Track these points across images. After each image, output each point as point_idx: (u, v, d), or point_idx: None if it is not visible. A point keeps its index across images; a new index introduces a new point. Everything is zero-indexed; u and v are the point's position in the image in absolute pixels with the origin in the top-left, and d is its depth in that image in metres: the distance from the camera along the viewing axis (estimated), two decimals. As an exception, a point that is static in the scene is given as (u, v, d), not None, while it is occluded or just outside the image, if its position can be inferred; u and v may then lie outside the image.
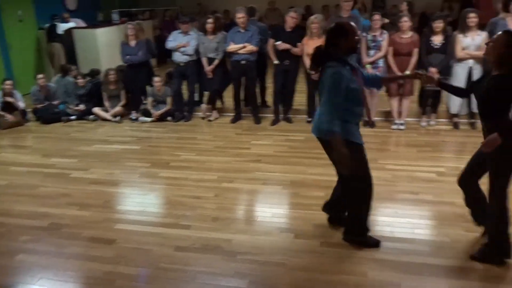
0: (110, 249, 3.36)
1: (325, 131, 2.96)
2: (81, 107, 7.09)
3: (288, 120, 6.47)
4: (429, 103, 6.06)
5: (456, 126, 5.93)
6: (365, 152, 3.14)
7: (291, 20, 5.98)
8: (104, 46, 8.81)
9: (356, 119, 3.08)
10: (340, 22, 3.10)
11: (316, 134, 3.14)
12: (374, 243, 3.26)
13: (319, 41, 5.88)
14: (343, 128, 2.95)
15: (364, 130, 5.89)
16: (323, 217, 3.60)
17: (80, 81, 7.12)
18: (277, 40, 6.01)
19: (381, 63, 5.85)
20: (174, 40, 6.61)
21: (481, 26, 5.61)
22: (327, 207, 3.52)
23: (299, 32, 6.03)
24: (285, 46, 5.94)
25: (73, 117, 7.03)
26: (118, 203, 4.20)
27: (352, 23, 3.05)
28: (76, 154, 5.50)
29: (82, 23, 9.51)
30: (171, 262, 3.16)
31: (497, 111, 2.79)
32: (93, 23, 9.94)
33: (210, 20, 6.38)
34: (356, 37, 3.01)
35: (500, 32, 2.93)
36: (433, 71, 5.62)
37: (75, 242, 3.48)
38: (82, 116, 7.04)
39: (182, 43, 6.50)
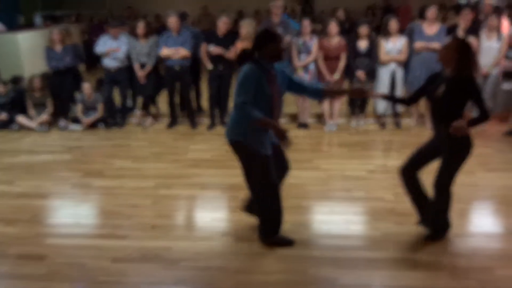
0: (42, 265, 3.18)
1: (235, 133, 3.06)
2: (3, 116, 6.64)
3: (225, 124, 6.50)
4: (357, 104, 6.37)
5: (382, 125, 6.29)
6: (270, 162, 3.15)
7: (223, 25, 6.02)
8: (26, 52, 8.31)
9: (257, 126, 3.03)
10: (269, 29, 3.18)
11: (230, 137, 3.16)
12: (288, 242, 3.36)
13: (248, 45, 6.00)
14: (251, 136, 3.03)
15: (298, 132, 6.13)
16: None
17: (1, 88, 6.66)
18: (210, 45, 6.03)
19: (311, 66, 6.05)
20: (103, 45, 6.39)
21: (401, 31, 6.01)
22: (247, 208, 3.57)
23: (232, 37, 6.09)
24: (218, 50, 5.97)
25: (-6, 127, 6.57)
26: (48, 217, 3.99)
27: (280, 32, 3.14)
28: (-1, 167, 5.15)
29: (1, 27, 8.90)
30: (109, 275, 3.06)
31: (453, 112, 3.06)
32: (12, 27, 9.34)
33: (141, 24, 6.25)
34: (281, 45, 3.07)
35: (450, 39, 3.22)
36: (360, 75, 5.92)
37: (1, 260, 3.26)
38: (4, 125, 6.60)
39: (112, 48, 6.31)
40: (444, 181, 3.21)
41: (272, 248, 3.32)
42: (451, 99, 3.07)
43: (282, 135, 2.92)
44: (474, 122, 3.02)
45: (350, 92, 3.52)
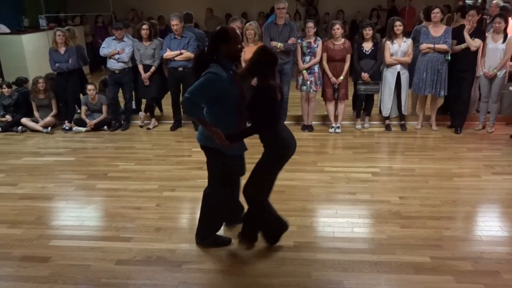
0: (45, 267, 3.17)
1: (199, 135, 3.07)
2: (8, 117, 6.66)
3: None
4: (362, 107, 6.34)
5: (388, 128, 6.25)
6: (235, 165, 3.18)
7: (236, 29, 5.99)
8: (31, 53, 8.35)
9: (228, 130, 2.96)
10: (225, 27, 3.07)
11: (200, 142, 3.17)
12: (225, 242, 3.40)
13: (255, 48, 5.97)
14: (207, 136, 3.02)
15: (303, 134, 6.11)
16: (266, 221, 3.63)
17: (6, 90, 6.68)
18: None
19: (316, 68, 6.03)
20: (108, 47, 6.40)
21: (406, 33, 5.98)
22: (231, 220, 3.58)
23: (239, 40, 6.07)
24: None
25: (-2, 129, 6.59)
26: (52, 219, 3.98)
27: (237, 31, 3.08)
28: (3, 169, 5.14)
29: (5, 29, 8.93)
30: (112, 277, 3.05)
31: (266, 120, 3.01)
32: (17, 29, 9.37)
33: (145, 27, 6.25)
34: (238, 45, 2.97)
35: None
36: (365, 76, 5.90)
37: (5, 262, 3.25)
38: (9, 127, 6.61)
39: (117, 49, 6.32)
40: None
41: (277, 250, 3.30)
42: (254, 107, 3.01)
43: (218, 137, 2.92)
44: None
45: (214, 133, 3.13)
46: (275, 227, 3.34)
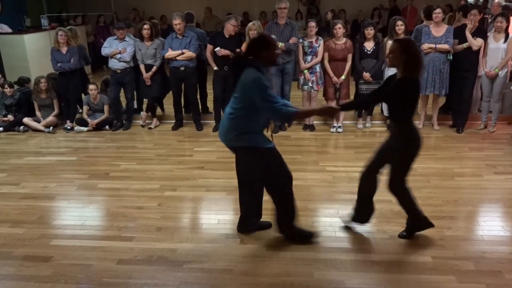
0: (47, 267, 3.17)
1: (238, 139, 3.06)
2: (10, 117, 6.67)
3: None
4: (414, 113, 6.30)
5: (389, 127, 6.23)
6: (276, 153, 3.20)
7: (231, 27, 6.00)
8: (33, 53, 8.36)
9: (260, 128, 3.13)
10: (264, 35, 3.23)
11: (236, 144, 3.15)
12: (310, 235, 3.43)
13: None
14: (247, 138, 3.06)
15: (304, 134, 6.11)
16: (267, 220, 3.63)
17: (8, 90, 6.69)
18: (215, 47, 6.02)
19: (317, 68, 6.03)
20: (109, 46, 6.41)
21: (407, 33, 5.97)
22: (242, 227, 3.56)
23: (238, 38, 6.08)
24: (225, 52, 5.95)
25: (0, 129, 6.60)
26: (54, 218, 3.98)
27: (274, 37, 3.15)
28: (5, 168, 5.16)
29: (7, 29, 8.95)
30: (114, 276, 3.05)
31: (407, 111, 3.14)
32: (19, 29, 9.38)
33: (146, 26, 6.25)
34: (276, 51, 3.09)
35: (391, 42, 3.27)
36: (366, 75, 5.90)
37: (7, 262, 3.25)
38: (11, 127, 6.63)
39: (118, 49, 6.32)
40: (398, 181, 3.27)
41: (278, 250, 3.30)
42: (399, 98, 3.11)
43: (330, 112, 3.12)
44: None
45: (320, 111, 3.45)
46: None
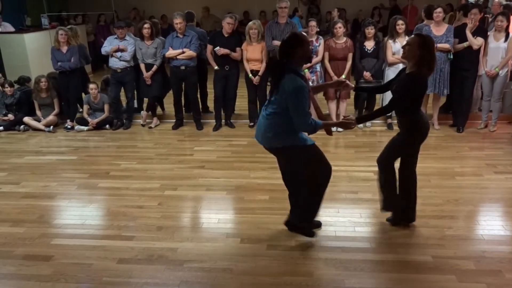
0: (47, 266, 3.18)
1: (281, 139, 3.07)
2: (10, 116, 6.67)
3: (230, 125, 6.49)
4: (364, 105, 6.33)
5: (389, 126, 6.24)
6: (316, 149, 3.24)
7: (227, 25, 6.00)
8: (33, 52, 8.36)
9: (296, 131, 3.13)
10: (295, 32, 3.19)
11: (276, 145, 3.14)
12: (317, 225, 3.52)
13: (258, 46, 5.98)
14: (285, 137, 3.07)
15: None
16: (268, 220, 3.64)
17: (8, 89, 6.69)
18: (215, 46, 6.02)
19: (318, 67, 6.03)
20: (110, 45, 6.41)
21: (408, 32, 5.97)
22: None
23: (237, 37, 6.07)
24: (225, 51, 5.96)
25: (0, 128, 6.60)
26: (54, 217, 3.98)
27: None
28: (6, 167, 5.16)
29: (10, 27, 8.94)
30: (114, 276, 3.05)
31: (411, 106, 3.23)
32: (20, 28, 9.39)
33: (147, 26, 6.25)
34: (309, 48, 3.10)
35: (412, 36, 3.34)
36: (367, 75, 5.89)
37: (8, 261, 3.26)
38: (11, 126, 6.63)
39: (117, 45, 6.31)
40: (389, 158, 3.45)
41: (278, 249, 3.30)
42: (408, 93, 3.19)
43: (346, 126, 3.21)
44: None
45: (338, 124, 3.44)
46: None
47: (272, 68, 3.22)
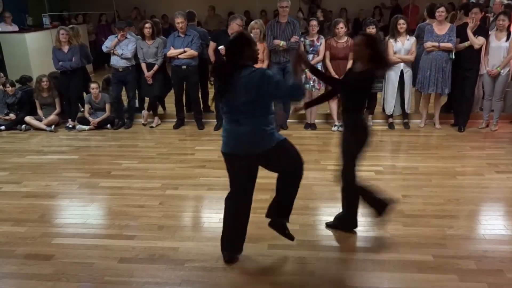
0: (49, 265, 3.18)
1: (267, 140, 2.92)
2: (12, 116, 6.68)
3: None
4: (365, 105, 6.31)
5: (391, 126, 6.24)
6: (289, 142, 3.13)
7: (236, 27, 5.98)
8: (34, 52, 8.37)
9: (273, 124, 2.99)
10: (242, 32, 3.07)
11: (259, 150, 2.94)
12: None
13: (260, 46, 5.96)
14: (272, 136, 2.93)
15: (306, 132, 6.10)
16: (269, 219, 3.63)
17: (10, 89, 6.70)
18: (219, 45, 6.01)
19: (319, 67, 6.02)
20: (110, 43, 6.41)
21: (409, 31, 5.96)
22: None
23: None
24: (228, 51, 5.94)
25: (2, 127, 6.61)
26: (55, 217, 3.99)
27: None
28: (7, 167, 5.17)
29: (15, 27, 8.95)
30: (116, 275, 3.06)
31: (358, 104, 3.29)
32: (21, 28, 9.39)
33: (148, 25, 6.25)
34: (256, 48, 2.95)
35: (358, 36, 3.35)
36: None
37: (9, 260, 3.26)
38: (13, 125, 6.64)
39: (116, 38, 6.30)
40: (348, 173, 3.36)
41: (279, 249, 3.30)
42: (358, 91, 3.24)
43: (298, 58, 3.03)
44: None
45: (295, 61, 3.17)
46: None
47: (223, 68, 2.97)
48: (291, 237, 3.21)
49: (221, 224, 3.68)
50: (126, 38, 6.39)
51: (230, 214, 3.14)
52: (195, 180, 4.63)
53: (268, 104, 2.93)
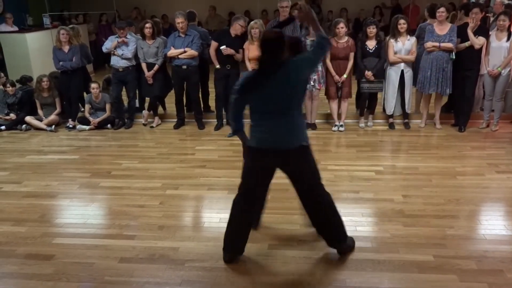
0: (49, 265, 3.18)
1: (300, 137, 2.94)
2: (12, 116, 6.69)
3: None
4: (366, 105, 6.32)
5: (391, 126, 6.24)
6: None
7: (239, 28, 5.97)
8: (35, 52, 8.37)
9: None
10: (281, 35, 2.98)
11: (295, 144, 2.93)
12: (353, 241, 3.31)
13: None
14: (305, 134, 2.99)
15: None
16: (269, 219, 3.64)
17: (10, 89, 6.70)
18: (221, 44, 6.01)
19: (319, 67, 6.01)
20: (110, 43, 6.41)
21: (410, 31, 5.96)
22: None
23: (242, 39, 6.07)
24: (231, 51, 5.93)
25: (2, 127, 6.61)
26: (56, 216, 3.99)
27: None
28: (7, 167, 5.17)
29: (14, 29, 8.95)
30: (116, 275, 3.06)
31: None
32: (21, 28, 9.40)
33: (148, 25, 6.25)
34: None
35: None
36: (368, 74, 5.89)
37: (9, 260, 3.26)
38: (13, 125, 6.64)
39: (117, 40, 6.30)
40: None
41: (280, 249, 3.30)
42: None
43: (306, 14, 2.98)
44: None
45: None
46: None
47: (262, 67, 2.96)
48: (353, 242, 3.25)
49: (221, 224, 3.70)
50: (126, 37, 6.37)
51: (236, 219, 3.13)
52: (196, 180, 4.63)
53: (302, 95, 3.00)
